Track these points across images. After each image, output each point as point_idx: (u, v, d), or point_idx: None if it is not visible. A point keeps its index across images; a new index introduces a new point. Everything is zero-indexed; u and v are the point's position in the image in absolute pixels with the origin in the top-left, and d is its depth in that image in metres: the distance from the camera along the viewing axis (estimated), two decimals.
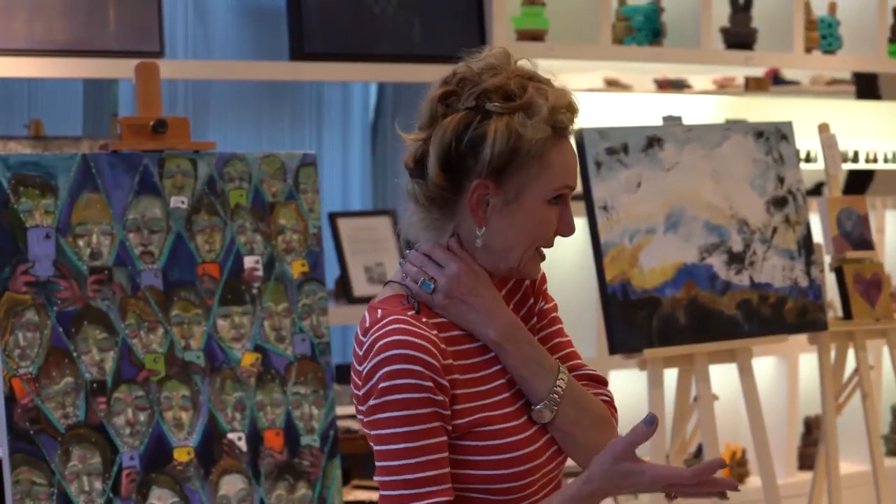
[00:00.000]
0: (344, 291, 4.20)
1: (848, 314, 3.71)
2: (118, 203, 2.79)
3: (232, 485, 2.82)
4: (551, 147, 1.75)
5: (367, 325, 1.73)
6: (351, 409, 3.78)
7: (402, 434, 1.69)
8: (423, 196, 1.78)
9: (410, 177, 1.79)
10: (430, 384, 1.70)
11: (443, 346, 1.73)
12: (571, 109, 1.77)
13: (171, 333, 2.80)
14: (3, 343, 2.64)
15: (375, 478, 1.73)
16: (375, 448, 1.72)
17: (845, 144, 5.02)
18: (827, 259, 3.73)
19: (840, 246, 3.72)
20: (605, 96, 4.72)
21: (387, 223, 4.32)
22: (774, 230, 3.46)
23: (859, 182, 5.26)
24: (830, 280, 3.79)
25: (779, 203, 3.48)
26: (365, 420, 1.74)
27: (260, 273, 2.91)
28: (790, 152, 3.53)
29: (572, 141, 1.82)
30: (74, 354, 2.70)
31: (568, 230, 1.79)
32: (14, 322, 2.66)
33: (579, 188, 3.37)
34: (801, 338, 3.85)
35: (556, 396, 1.78)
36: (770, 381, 4.85)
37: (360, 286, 4.19)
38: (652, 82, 4.97)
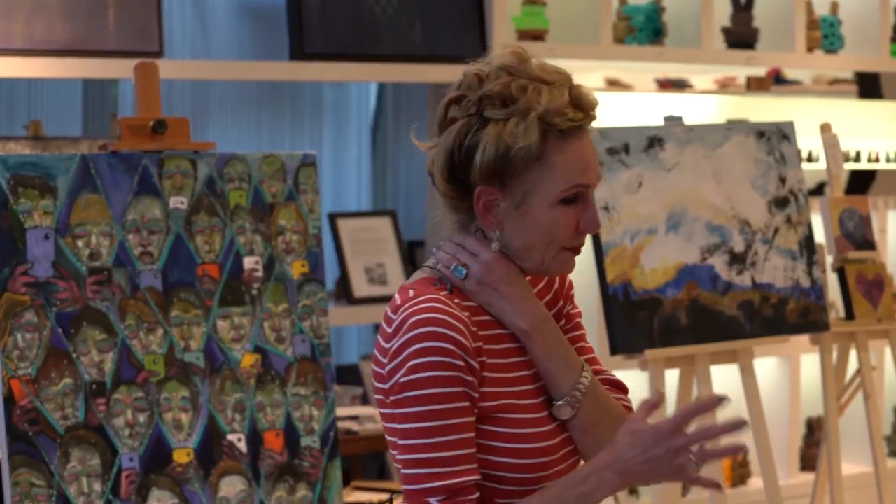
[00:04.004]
0: (344, 292, 4.19)
1: (850, 314, 3.70)
2: (117, 204, 2.78)
3: (232, 486, 2.81)
4: (553, 149, 1.73)
5: (398, 303, 1.73)
6: (351, 411, 3.77)
7: (431, 412, 1.68)
8: (445, 202, 1.80)
9: (433, 184, 1.80)
10: (461, 363, 1.69)
11: (473, 328, 1.73)
12: (579, 106, 1.75)
13: (171, 334, 2.79)
14: (2, 344, 2.63)
15: (399, 456, 1.71)
16: (400, 426, 1.70)
17: (847, 144, 5.01)
18: (829, 259, 3.72)
19: (842, 246, 3.71)
20: (606, 96, 4.71)
21: (387, 224, 4.31)
22: (776, 230, 3.45)
23: (861, 182, 5.25)
24: (832, 280, 3.78)
25: (780, 203, 3.47)
26: (390, 399, 1.72)
27: (260, 274, 2.90)
28: (792, 152, 3.52)
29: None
30: (74, 355, 2.70)
31: (589, 227, 1.77)
32: (13, 323, 2.65)
33: None
34: (803, 338, 3.84)
35: (578, 394, 1.77)
36: (772, 381, 4.84)
37: (360, 287, 4.18)
38: (653, 82, 4.96)
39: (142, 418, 2.74)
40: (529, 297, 1.79)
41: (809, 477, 4.71)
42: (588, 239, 3.32)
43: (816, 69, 5.06)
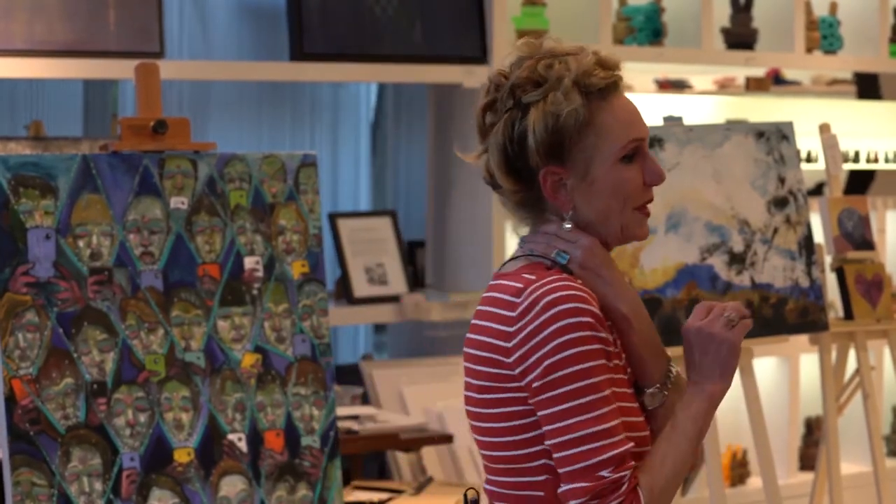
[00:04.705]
0: (344, 292, 4.20)
1: (849, 314, 3.70)
2: (118, 204, 2.78)
3: (232, 486, 2.82)
4: (598, 110, 1.77)
5: (521, 286, 1.73)
6: (351, 410, 3.77)
7: (588, 386, 1.68)
8: (509, 203, 1.82)
9: (493, 189, 1.82)
10: (603, 335, 1.71)
11: None
12: (605, 66, 1.79)
13: (172, 334, 2.80)
14: (3, 344, 2.64)
15: (555, 440, 1.69)
16: (556, 408, 1.69)
17: (846, 144, 5.02)
18: (828, 259, 3.73)
19: (841, 246, 3.72)
20: None
21: (387, 223, 4.32)
22: (775, 230, 3.45)
23: (860, 182, 5.25)
24: (831, 280, 3.78)
25: (780, 203, 3.48)
26: (531, 383, 1.70)
27: (260, 274, 2.90)
28: (791, 152, 3.52)
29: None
30: (74, 355, 2.70)
31: (655, 179, 1.81)
32: (14, 323, 2.66)
33: None
34: (802, 338, 3.84)
35: (668, 382, 1.80)
36: (771, 381, 4.84)
37: (360, 287, 4.19)
38: (652, 82, 4.97)
39: (142, 418, 2.75)
40: (626, 282, 1.82)
41: (808, 476, 4.71)
42: None
43: (815, 70, 5.06)
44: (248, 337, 2.88)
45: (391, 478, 3.92)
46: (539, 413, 1.70)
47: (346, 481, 3.63)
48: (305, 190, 2.98)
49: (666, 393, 1.79)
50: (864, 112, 5.23)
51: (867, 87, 5.22)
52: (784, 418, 4.81)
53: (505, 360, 1.72)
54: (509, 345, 1.72)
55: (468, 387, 1.79)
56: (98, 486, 2.69)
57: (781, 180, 3.49)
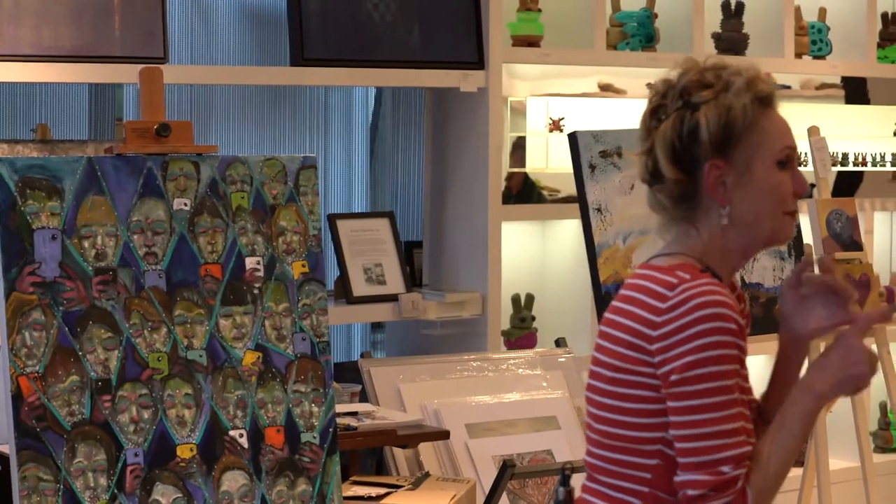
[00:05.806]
0: (343, 292, 4.24)
1: None
2: (122, 205, 2.81)
3: (234, 481, 2.85)
4: (760, 115, 1.89)
5: (675, 282, 1.84)
6: (350, 407, 3.82)
7: (722, 387, 1.79)
8: (667, 199, 1.92)
9: (650, 187, 1.94)
10: (742, 343, 1.84)
11: None
12: (765, 80, 1.91)
13: (175, 333, 2.83)
14: (10, 342, 2.67)
15: (683, 431, 1.79)
16: (688, 402, 1.79)
17: (835, 147, 5.06)
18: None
19: (830, 247, 3.77)
20: (600, 101, 4.76)
21: (385, 224, 4.36)
22: None
23: (848, 184, 5.29)
24: None
25: None
26: (670, 376, 1.80)
27: (261, 274, 2.94)
28: None
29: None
30: (80, 353, 2.73)
31: (803, 189, 1.92)
32: (21, 322, 2.68)
33: (574, 190, 3.43)
34: None
35: None
36: (761, 379, 4.86)
37: (359, 286, 4.23)
38: (645, 87, 5.00)
39: (146, 415, 2.77)
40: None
41: (798, 472, 4.75)
42: (582, 239, 3.38)
43: (805, 74, 5.10)
44: (249, 335, 2.91)
45: (389, 473, 3.95)
46: (670, 403, 1.80)
47: (345, 476, 3.67)
48: (305, 192, 3.01)
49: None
50: (853, 116, 5.26)
51: (855, 91, 5.27)
52: None
53: (647, 346, 1.82)
54: (654, 333, 1.81)
55: (597, 362, 1.89)
56: (103, 481, 2.71)
57: None
